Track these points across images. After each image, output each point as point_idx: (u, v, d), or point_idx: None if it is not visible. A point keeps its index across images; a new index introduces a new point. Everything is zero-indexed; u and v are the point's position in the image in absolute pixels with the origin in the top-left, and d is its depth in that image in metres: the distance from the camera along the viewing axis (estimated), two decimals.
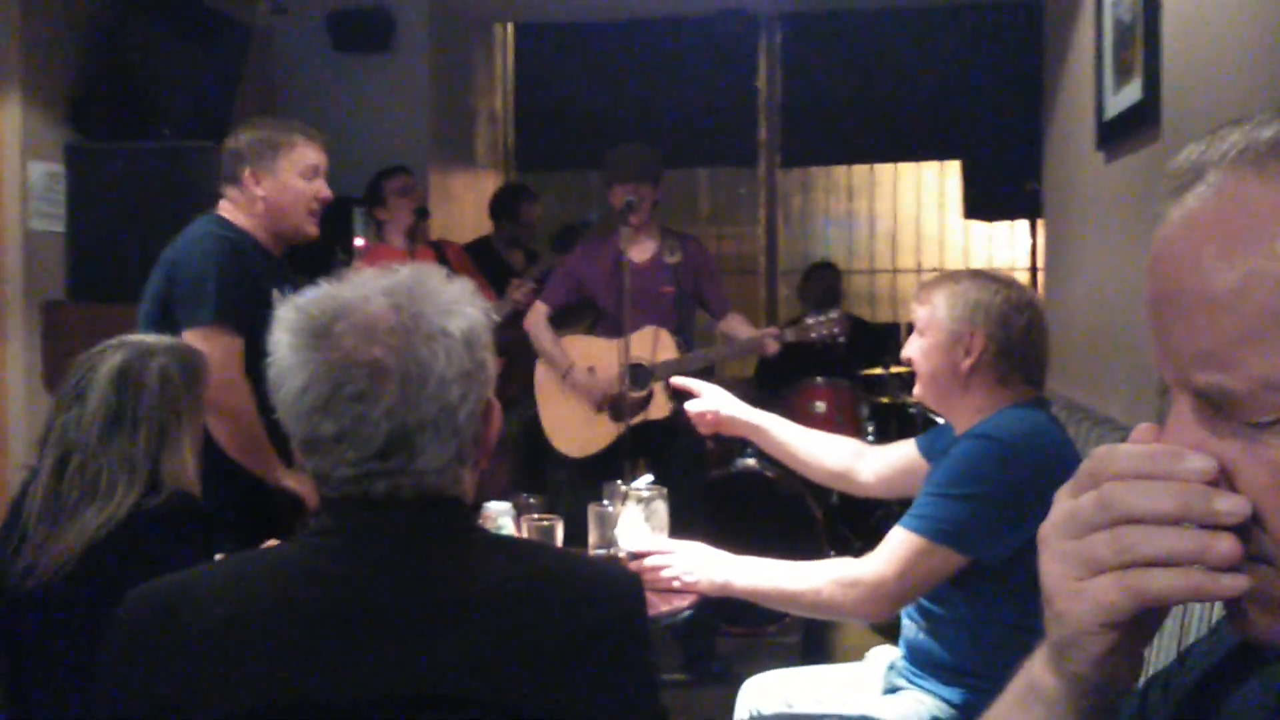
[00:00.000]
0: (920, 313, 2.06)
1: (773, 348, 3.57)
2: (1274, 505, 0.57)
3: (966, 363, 1.99)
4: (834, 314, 3.56)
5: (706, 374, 4.64)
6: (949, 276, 2.10)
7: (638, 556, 2.14)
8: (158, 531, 1.84)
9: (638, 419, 3.59)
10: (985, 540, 1.87)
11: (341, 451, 1.09)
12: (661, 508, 2.27)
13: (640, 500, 2.25)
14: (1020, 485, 1.85)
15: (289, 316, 1.12)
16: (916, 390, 2.12)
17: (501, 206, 5.05)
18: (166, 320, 2.54)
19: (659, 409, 3.62)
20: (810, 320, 3.57)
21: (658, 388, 3.59)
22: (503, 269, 4.68)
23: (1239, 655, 0.68)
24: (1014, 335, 2.00)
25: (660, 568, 2.09)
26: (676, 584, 2.08)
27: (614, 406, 3.66)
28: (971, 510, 1.86)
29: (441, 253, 4.22)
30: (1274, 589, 0.57)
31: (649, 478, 2.55)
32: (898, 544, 1.90)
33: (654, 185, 3.67)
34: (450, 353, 1.10)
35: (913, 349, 2.08)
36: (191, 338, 2.42)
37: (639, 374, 3.61)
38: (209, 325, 2.51)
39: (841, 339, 3.53)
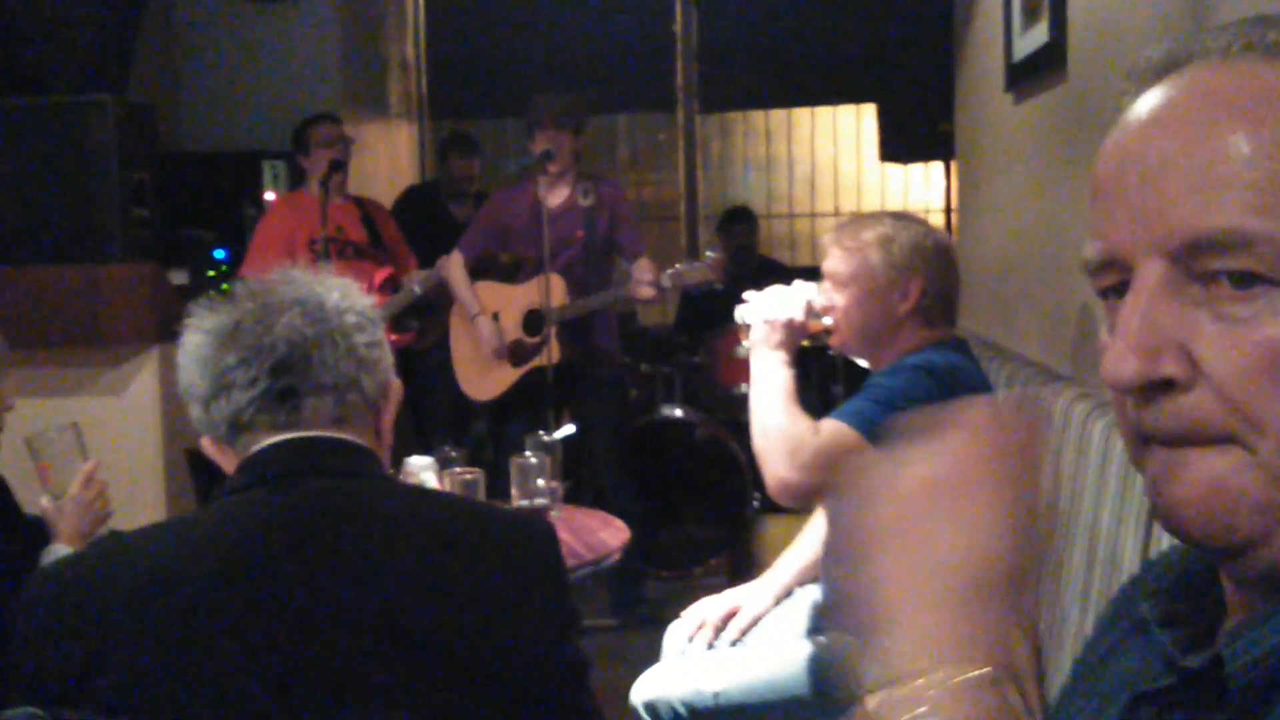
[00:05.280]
0: (846, 262, 2.00)
1: (645, 293, 3.57)
2: (1253, 387, 0.54)
3: (904, 306, 1.98)
4: (710, 256, 3.51)
5: (627, 318, 4.66)
6: (865, 221, 2.05)
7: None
8: None
9: (533, 364, 3.65)
10: None
11: (245, 373, 1.12)
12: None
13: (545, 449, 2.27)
14: None
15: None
16: (836, 341, 2.06)
17: (438, 155, 4.96)
18: None
19: (553, 354, 3.64)
20: (681, 266, 3.51)
21: (552, 333, 3.61)
22: (447, 220, 4.58)
23: (1131, 628, 0.69)
24: (947, 276, 2.02)
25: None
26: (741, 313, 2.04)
27: (512, 353, 3.73)
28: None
29: (366, 210, 4.10)
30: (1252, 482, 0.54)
31: (571, 428, 2.57)
32: (833, 430, 1.88)
33: (573, 133, 3.66)
34: (346, 291, 1.20)
35: (839, 300, 2.01)
36: None
37: (533, 320, 3.64)
38: None
39: (719, 286, 3.52)
